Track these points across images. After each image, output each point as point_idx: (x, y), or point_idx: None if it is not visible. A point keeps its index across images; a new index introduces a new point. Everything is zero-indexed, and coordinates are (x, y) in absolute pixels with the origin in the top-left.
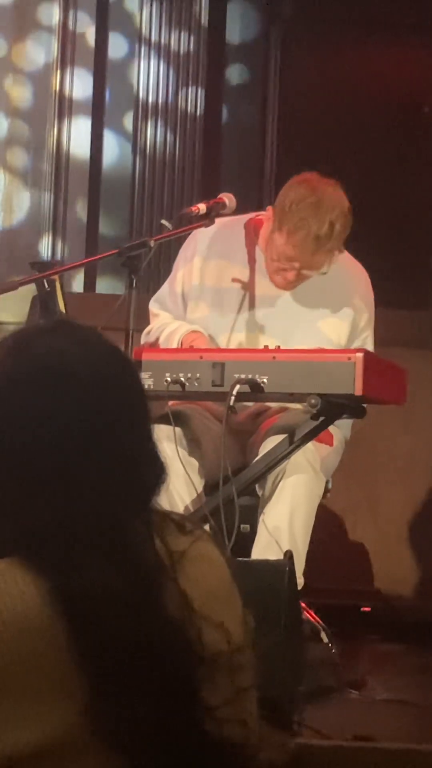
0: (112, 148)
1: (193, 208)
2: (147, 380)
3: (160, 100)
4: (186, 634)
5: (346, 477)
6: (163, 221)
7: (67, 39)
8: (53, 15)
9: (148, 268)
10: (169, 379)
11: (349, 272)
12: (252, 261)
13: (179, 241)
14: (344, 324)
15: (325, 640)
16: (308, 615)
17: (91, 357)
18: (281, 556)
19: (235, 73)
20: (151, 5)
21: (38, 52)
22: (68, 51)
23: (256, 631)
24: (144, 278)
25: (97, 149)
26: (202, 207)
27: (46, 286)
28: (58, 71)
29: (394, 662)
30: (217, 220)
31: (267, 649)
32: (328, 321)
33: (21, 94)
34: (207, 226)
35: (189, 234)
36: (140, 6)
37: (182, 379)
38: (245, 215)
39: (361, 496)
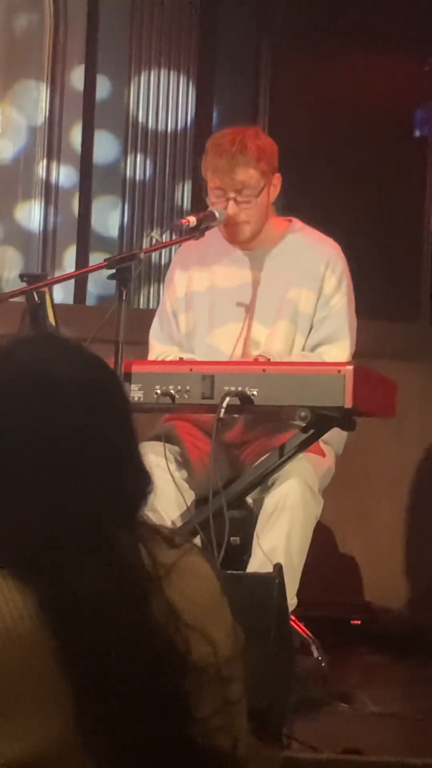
0: None
1: (184, 221)
2: (137, 392)
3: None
4: (174, 645)
5: (335, 489)
6: (153, 234)
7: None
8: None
9: (138, 280)
10: (159, 391)
11: (312, 243)
12: (223, 255)
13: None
14: (311, 293)
15: (315, 652)
16: (298, 627)
17: (74, 367)
18: None
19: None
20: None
21: None
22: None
23: (246, 643)
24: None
25: None
26: (192, 219)
27: (36, 298)
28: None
29: (384, 675)
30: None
31: (256, 662)
32: (295, 291)
33: None
34: (197, 238)
35: (179, 245)
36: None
37: (172, 391)
38: None
39: (351, 508)
